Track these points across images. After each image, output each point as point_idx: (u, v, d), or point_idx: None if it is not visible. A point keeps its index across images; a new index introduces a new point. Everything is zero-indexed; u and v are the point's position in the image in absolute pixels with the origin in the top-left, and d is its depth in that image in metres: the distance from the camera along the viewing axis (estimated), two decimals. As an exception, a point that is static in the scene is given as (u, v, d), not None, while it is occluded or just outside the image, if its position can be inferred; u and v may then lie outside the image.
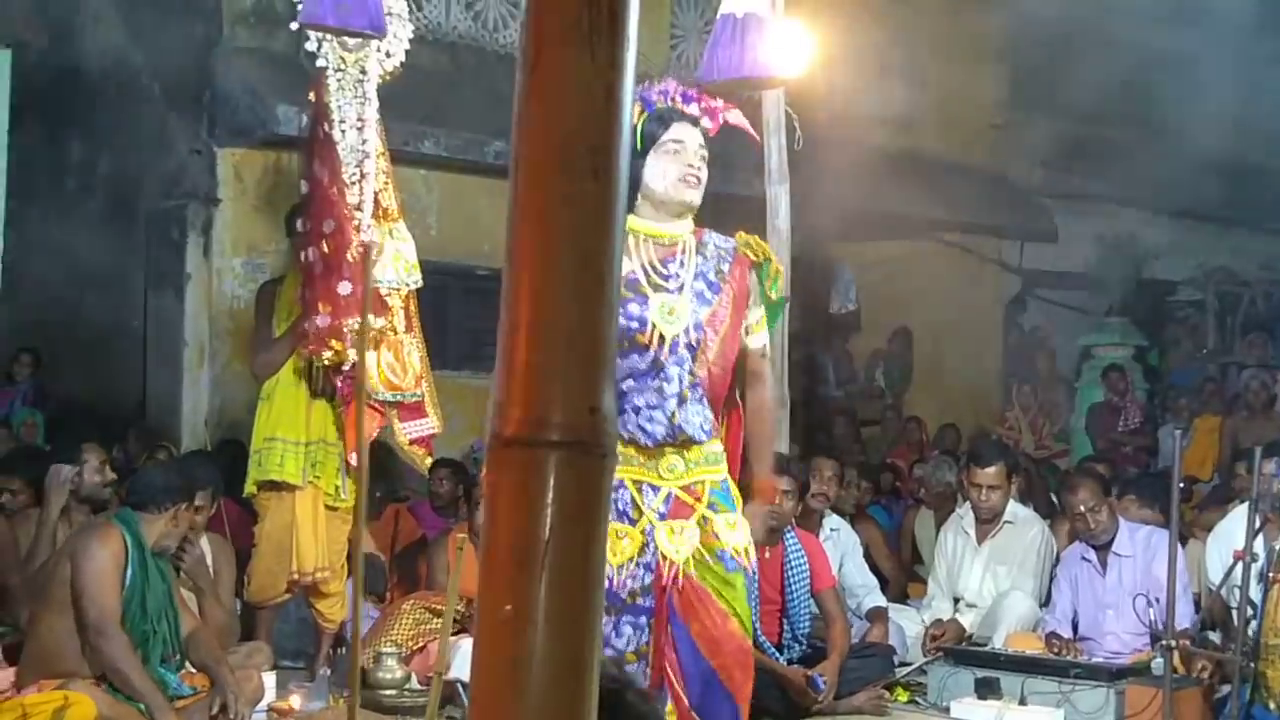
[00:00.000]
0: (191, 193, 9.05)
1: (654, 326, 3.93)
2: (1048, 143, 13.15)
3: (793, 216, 7.41)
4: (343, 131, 5.32)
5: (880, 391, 12.75)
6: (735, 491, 4.10)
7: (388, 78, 5.42)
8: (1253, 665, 6.61)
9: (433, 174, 9.22)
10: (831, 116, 9.23)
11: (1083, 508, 7.11)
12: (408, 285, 5.91)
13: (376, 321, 5.68)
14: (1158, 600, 6.51)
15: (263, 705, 5.95)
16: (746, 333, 4.08)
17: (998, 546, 7.58)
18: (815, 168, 8.35)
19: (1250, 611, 6.74)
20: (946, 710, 6.73)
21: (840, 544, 7.54)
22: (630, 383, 3.91)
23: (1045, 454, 11.76)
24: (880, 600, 7.50)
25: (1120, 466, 10.71)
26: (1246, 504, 6.97)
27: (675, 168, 3.89)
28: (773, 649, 6.75)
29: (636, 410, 3.88)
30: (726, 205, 7.26)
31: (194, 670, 5.66)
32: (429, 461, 6.49)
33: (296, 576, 6.28)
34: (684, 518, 3.92)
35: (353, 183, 5.30)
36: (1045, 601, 7.49)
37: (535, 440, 1.21)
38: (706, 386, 3.96)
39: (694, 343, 3.95)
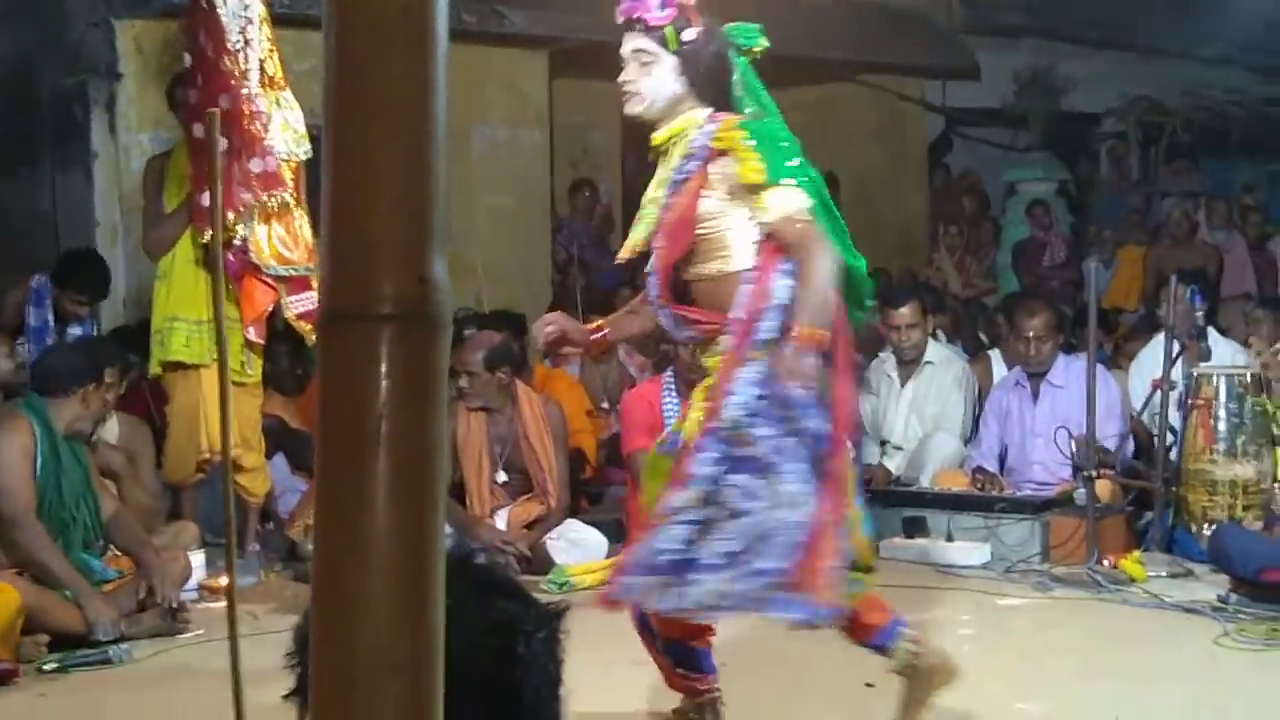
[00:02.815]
0: (92, 68, 8.81)
1: (631, 237, 4.02)
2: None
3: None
4: (224, -1, 5.15)
5: (808, 238, 12.72)
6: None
7: (268, -58, 5.25)
8: (1174, 490, 6.74)
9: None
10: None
11: (1032, 334, 7.14)
12: (297, 155, 5.79)
13: (276, 196, 5.58)
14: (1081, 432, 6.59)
15: (193, 584, 5.95)
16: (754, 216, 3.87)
17: (920, 387, 7.63)
18: (730, 10, 8.20)
19: (1170, 438, 6.85)
20: (875, 550, 6.81)
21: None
22: None
23: (973, 293, 11.82)
24: (808, 447, 7.54)
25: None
26: (1165, 333, 7.05)
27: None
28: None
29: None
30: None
31: (119, 554, 5.62)
32: (315, 337, 6.42)
33: (208, 455, 6.24)
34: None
35: (236, 50, 5.13)
36: (969, 439, 7.58)
37: (363, 314, 1.18)
38: (672, 285, 3.93)
39: (657, 248, 3.94)
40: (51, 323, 7.29)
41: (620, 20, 3.92)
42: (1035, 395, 7.22)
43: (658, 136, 3.96)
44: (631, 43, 3.90)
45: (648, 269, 4.02)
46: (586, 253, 10.73)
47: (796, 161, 3.90)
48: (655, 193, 3.99)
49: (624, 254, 4.11)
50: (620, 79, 3.90)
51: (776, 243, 3.85)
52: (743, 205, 3.88)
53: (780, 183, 3.84)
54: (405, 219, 1.18)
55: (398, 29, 1.19)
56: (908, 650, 4.05)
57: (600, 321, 4.33)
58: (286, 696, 1.29)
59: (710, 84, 3.93)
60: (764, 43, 4.02)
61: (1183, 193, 13.00)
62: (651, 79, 3.89)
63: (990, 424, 7.35)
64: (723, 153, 3.86)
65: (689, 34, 3.91)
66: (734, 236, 3.89)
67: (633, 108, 3.94)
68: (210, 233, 5.74)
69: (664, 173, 3.96)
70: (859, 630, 4.03)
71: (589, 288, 10.09)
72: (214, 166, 3.37)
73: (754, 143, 3.85)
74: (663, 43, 3.89)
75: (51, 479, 5.32)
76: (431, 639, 1.12)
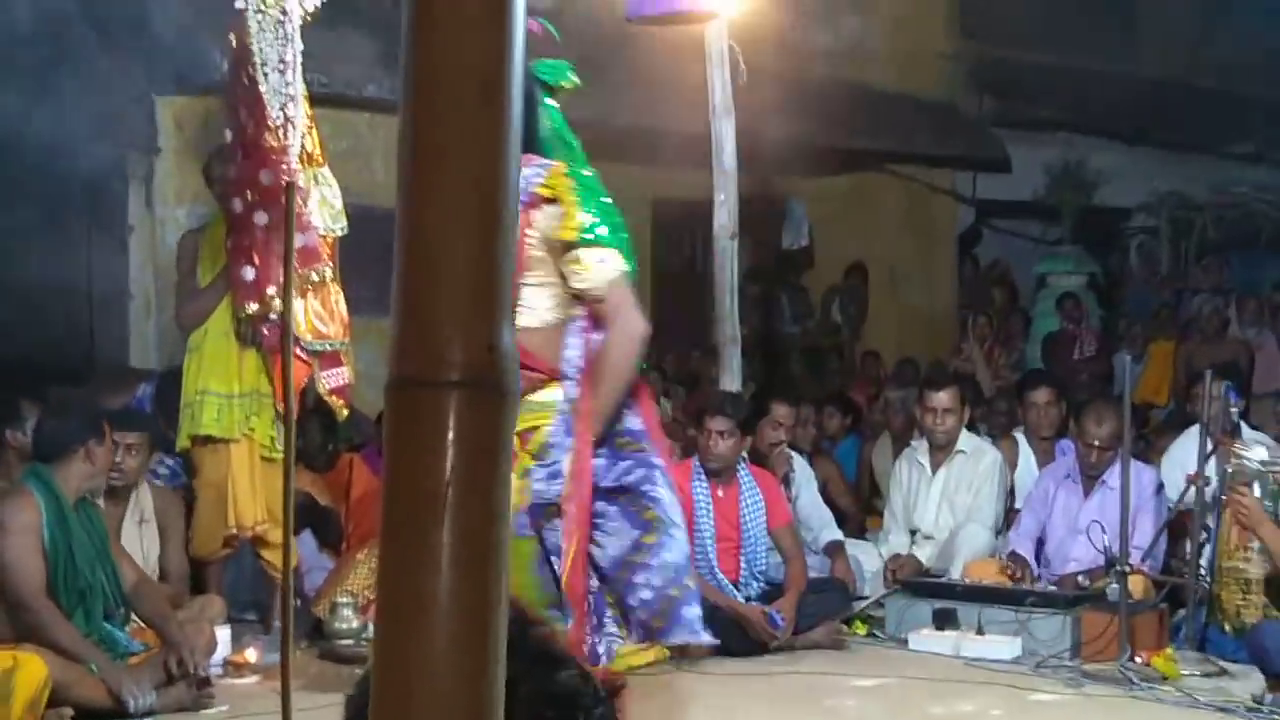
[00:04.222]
0: (131, 143, 8.93)
1: None
2: (996, 70, 13.10)
3: (739, 153, 7.33)
4: (265, 74, 5.18)
5: (837, 327, 12.74)
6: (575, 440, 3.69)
7: (309, 18, 5.28)
8: (1207, 587, 6.66)
9: (377, 117, 9.10)
10: (777, 49, 9.15)
11: (1098, 442, 7.04)
12: (333, 231, 5.84)
13: (315, 271, 5.62)
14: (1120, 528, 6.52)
15: (218, 658, 5.91)
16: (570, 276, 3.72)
17: (951, 476, 7.58)
18: (762, 102, 8.27)
19: (1204, 535, 6.78)
20: (905, 643, 6.75)
21: (795, 480, 7.54)
22: None
23: (1002, 384, 11.78)
24: (837, 534, 7.50)
25: (1077, 395, 10.73)
26: (1198, 427, 7.00)
27: None
28: (731, 587, 6.75)
29: None
30: (666, 142, 7.15)
31: (144, 626, 5.57)
32: (346, 412, 6.42)
33: (235, 531, 6.23)
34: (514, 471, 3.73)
35: (277, 126, 5.18)
36: (1001, 530, 7.51)
37: (432, 380, 1.19)
38: None
39: None
40: None
41: None
42: (1086, 492, 7.12)
43: None
44: None
45: None
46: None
47: (616, 219, 3.73)
48: None
49: None
50: None
51: (588, 303, 3.72)
52: (556, 257, 3.70)
53: (599, 243, 3.70)
54: (475, 288, 1.19)
55: (474, 100, 1.20)
56: None
57: None
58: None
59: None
60: (574, 80, 3.78)
61: (1213, 289, 12.99)
62: None
63: (1034, 508, 7.24)
64: (550, 200, 3.70)
65: None
66: (548, 289, 3.74)
67: None
68: (253, 306, 5.75)
69: None
70: None
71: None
72: (290, 239, 3.38)
73: (582, 195, 3.68)
74: None
75: (63, 550, 5.25)
76: (491, 707, 1.11)
